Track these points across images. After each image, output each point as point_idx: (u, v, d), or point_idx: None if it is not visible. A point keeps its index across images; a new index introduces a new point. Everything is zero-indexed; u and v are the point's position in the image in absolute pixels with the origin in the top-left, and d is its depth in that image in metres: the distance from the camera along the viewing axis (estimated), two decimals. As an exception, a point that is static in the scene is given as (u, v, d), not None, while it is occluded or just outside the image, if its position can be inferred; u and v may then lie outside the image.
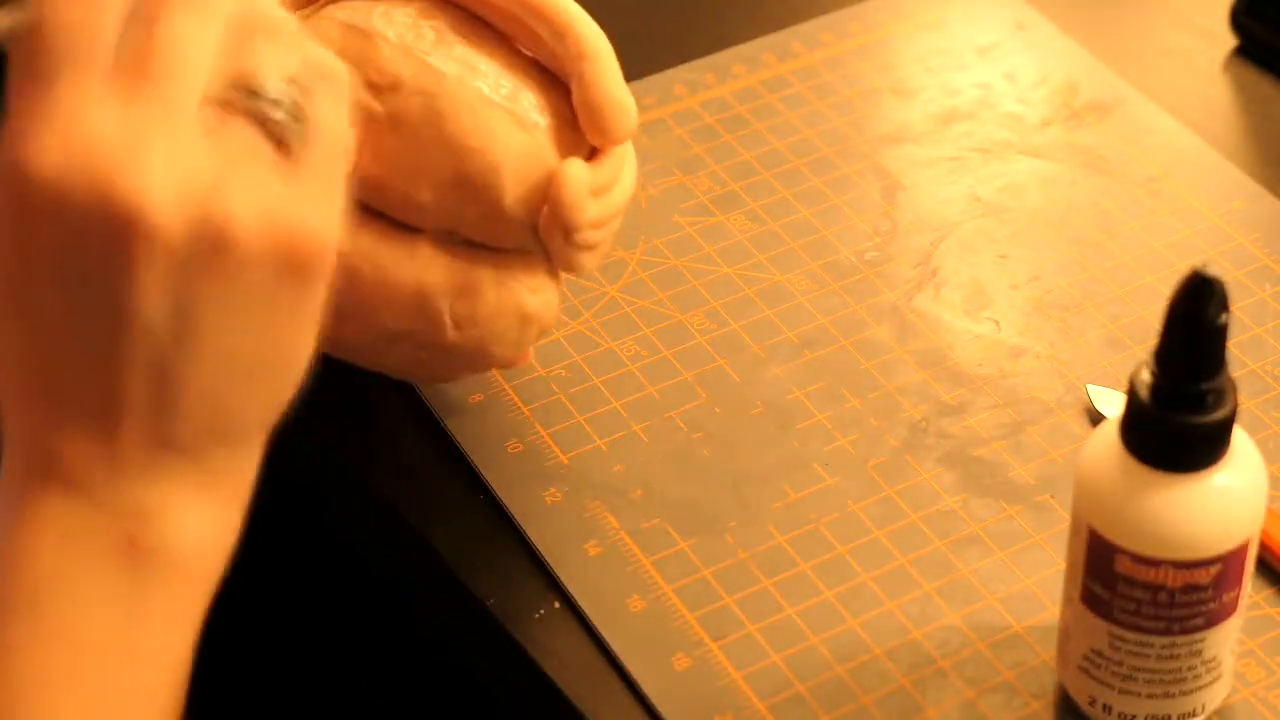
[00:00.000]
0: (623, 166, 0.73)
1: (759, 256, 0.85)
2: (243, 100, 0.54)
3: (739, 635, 0.71)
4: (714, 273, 0.84)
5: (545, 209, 0.70)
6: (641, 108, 0.72)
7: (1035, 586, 0.72)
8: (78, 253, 0.52)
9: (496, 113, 0.70)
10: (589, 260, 0.72)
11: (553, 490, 0.76)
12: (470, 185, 0.70)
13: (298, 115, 0.55)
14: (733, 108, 0.92)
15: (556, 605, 0.72)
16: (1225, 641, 0.65)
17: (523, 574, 0.73)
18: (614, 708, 0.69)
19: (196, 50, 0.53)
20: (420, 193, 0.70)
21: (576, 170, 0.70)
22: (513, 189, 0.70)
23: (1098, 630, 0.65)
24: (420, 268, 0.71)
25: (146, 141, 0.52)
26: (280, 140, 0.55)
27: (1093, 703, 0.66)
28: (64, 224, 0.52)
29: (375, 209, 0.71)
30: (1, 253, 0.53)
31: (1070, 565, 0.65)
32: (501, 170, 0.70)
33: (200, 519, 0.55)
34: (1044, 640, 0.70)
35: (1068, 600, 0.66)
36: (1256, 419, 0.77)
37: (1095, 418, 0.78)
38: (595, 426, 0.78)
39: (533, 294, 0.73)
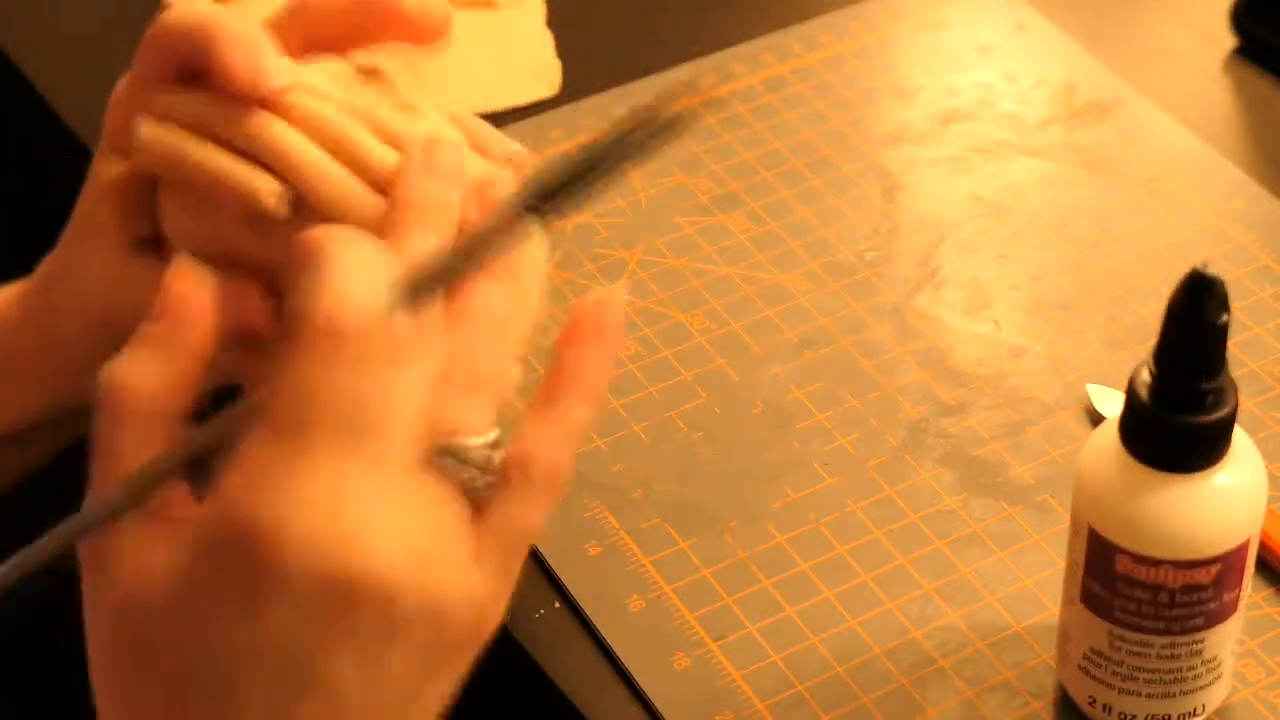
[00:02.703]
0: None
1: (759, 256, 0.85)
2: (441, 459, 0.50)
3: (739, 635, 0.71)
4: (714, 273, 0.84)
5: None
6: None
7: (1035, 586, 0.72)
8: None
9: None
10: None
11: (553, 490, 0.75)
12: None
13: (492, 483, 0.51)
14: (733, 108, 0.92)
15: (556, 605, 0.72)
16: (1225, 641, 0.65)
17: (523, 574, 0.73)
18: (614, 708, 0.69)
19: (403, 405, 0.48)
20: None
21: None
22: None
23: (1098, 630, 0.65)
24: None
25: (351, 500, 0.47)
26: (472, 501, 0.50)
27: (1092, 703, 0.66)
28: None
29: None
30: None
31: (1070, 565, 0.65)
32: None
33: None
34: (1044, 640, 0.70)
35: (1067, 600, 0.66)
36: (1256, 419, 0.77)
37: (1095, 418, 0.78)
38: (595, 426, 0.78)
39: None
